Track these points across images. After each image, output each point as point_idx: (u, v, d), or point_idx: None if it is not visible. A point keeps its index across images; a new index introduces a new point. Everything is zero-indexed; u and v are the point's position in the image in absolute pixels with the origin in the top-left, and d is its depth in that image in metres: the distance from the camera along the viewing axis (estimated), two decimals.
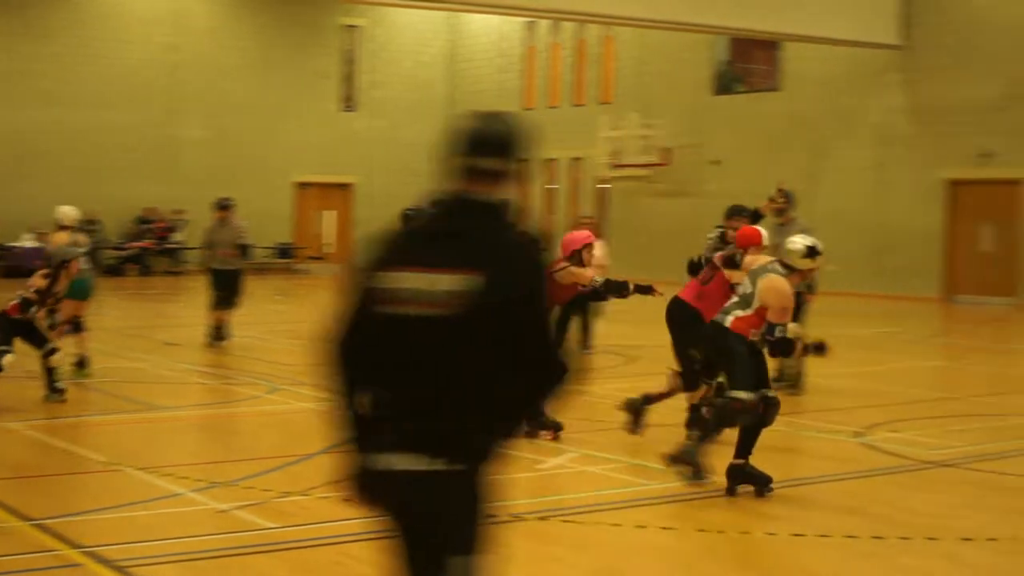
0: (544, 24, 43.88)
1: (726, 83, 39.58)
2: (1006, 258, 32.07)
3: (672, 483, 10.62)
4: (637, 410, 12.35)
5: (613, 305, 19.85)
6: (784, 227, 15.24)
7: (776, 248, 14.71)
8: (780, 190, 16.16)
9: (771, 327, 10.12)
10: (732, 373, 10.35)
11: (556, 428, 12.12)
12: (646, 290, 12.66)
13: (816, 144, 36.12)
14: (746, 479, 10.17)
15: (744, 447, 10.18)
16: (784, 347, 10.32)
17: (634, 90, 41.13)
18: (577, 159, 42.86)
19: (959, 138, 32.92)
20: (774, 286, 10.23)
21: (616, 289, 12.62)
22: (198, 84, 42.28)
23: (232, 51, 43.19)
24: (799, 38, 33.76)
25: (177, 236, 40.28)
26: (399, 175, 45.21)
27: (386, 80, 46.26)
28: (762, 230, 11.87)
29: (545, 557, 8.48)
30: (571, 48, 43.60)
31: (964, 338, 24.21)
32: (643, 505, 9.88)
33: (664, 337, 12.51)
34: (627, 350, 19.56)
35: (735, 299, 10.49)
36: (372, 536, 8.75)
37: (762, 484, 10.15)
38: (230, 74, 43.02)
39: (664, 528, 9.05)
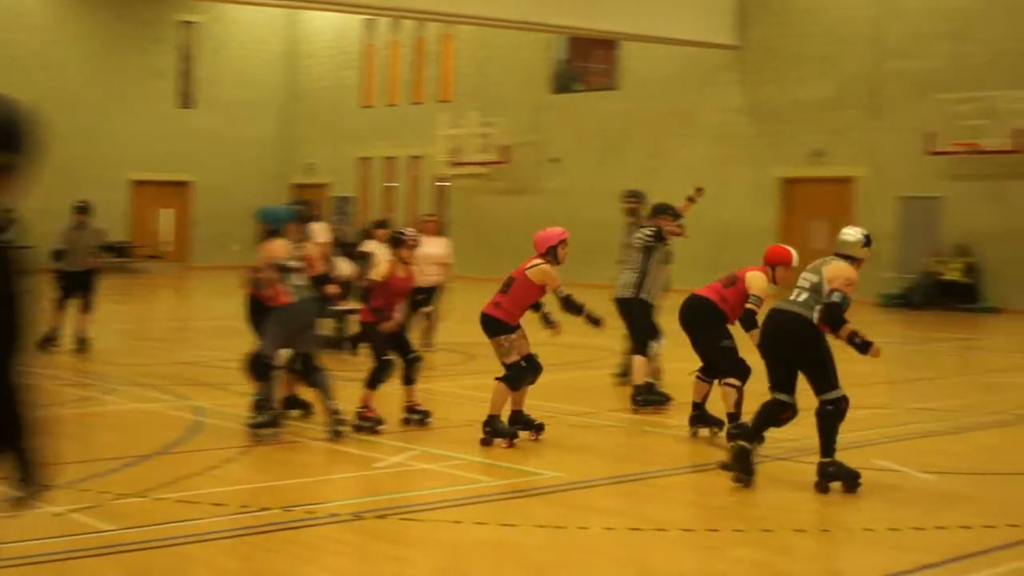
0: (383, 22, 43.77)
1: (565, 82, 39.83)
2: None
3: (513, 479, 10.69)
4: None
5: (452, 303, 19.96)
6: (635, 227, 15.44)
7: (629, 248, 15.08)
8: (631, 191, 16.34)
9: (832, 302, 10.20)
10: (824, 372, 10.39)
11: (512, 436, 12.02)
12: (595, 321, 12.21)
13: (654, 143, 36.52)
14: (837, 476, 10.25)
15: (831, 445, 10.27)
16: (831, 316, 10.25)
17: (473, 88, 41.22)
18: (416, 157, 42.85)
19: (793, 137, 33.54)
20: (841, 269, 10.40)
21: (573, 308, 12.13)
22: (32, 80, 41.46)
23: (67, 47, 42.49)
24: (637, 37, 34.09)
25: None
26: (237, 173, 44.90)
27: (224, 77, 45.83)
28: (792, 251, 12.17)
29: (384, 556, 8.45)
30: (410, 46, 43.56)
31: None
32: (483, 502, 9.90)
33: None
34: (467, 347, 19.58)
35: (805, 295, 10.37)
36: (211, 537, 8.71)
37: (852, 479, 10.27)
38: (65, 70, 42.32)
39: (504, 525, 9.06)
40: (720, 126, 35.24)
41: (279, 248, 12.21)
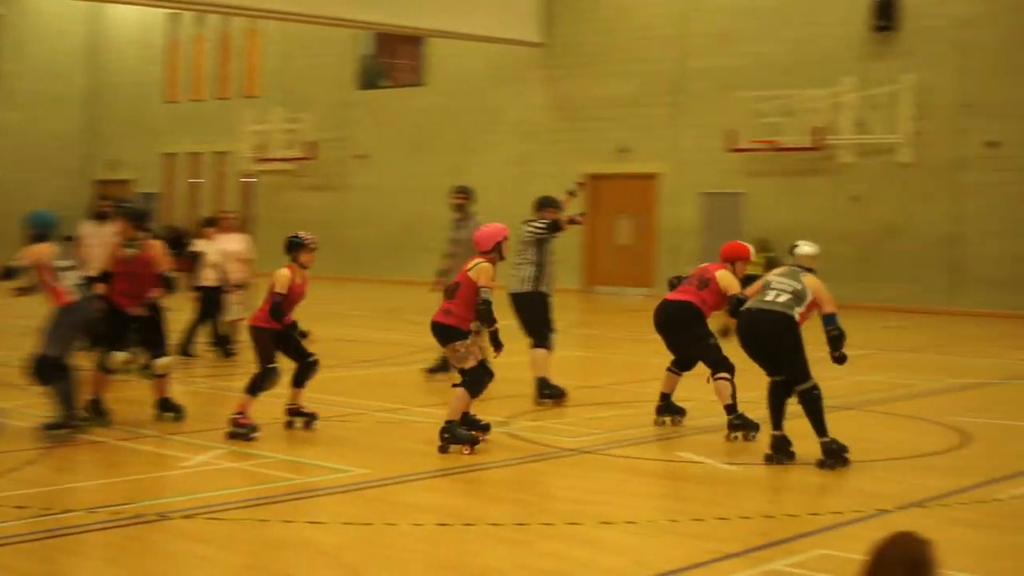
0: (188, 16, 43.21)
1: (371, 78, 39.72)
2: (642, 251, 33.13)
3: (320, 477, 10.61)
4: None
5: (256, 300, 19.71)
6: (462, 222, 16.08)
7: (456, 243, 15.29)
8: (459, 187, 16.72)
9: (833, 317, 11.47)
10: (799, 363, 11.36)
11: (473, 442, 11.72)
12: (498, 345, 11.85)
13: (461, 139, 36.61)
14: (838, 451, 11.22)
15: (824, 424, 11.31)
16: (842, 339, 11.46)
17: (279, 84, 40.93)
18: (222, 153, 42.39)
19: (598, 134, 33.86)
20: (818, 283, 11.59)
21: (488, 318, 11.72)
22: None
23: None
24: (443, 34, 34.12)
25: None
26: (39, 169, 43.95)
27: (25, 71, 44.84)
28: (749, 246, 13.28)
29: (191, 556, 8.32)
30: (215, 41, 43.06)
31: (603, 328, 24.86)
32: (290, 500, 9.79)
33: None
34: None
35: (785, 296, 11.42)
36: (12, 541, 8.48)
37: (844, 452, 11.26)
38: None
39: (311, 522, 8.99)
40: (527, 123, 35.45)
41: (44, 251, 11.96)
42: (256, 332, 12.48)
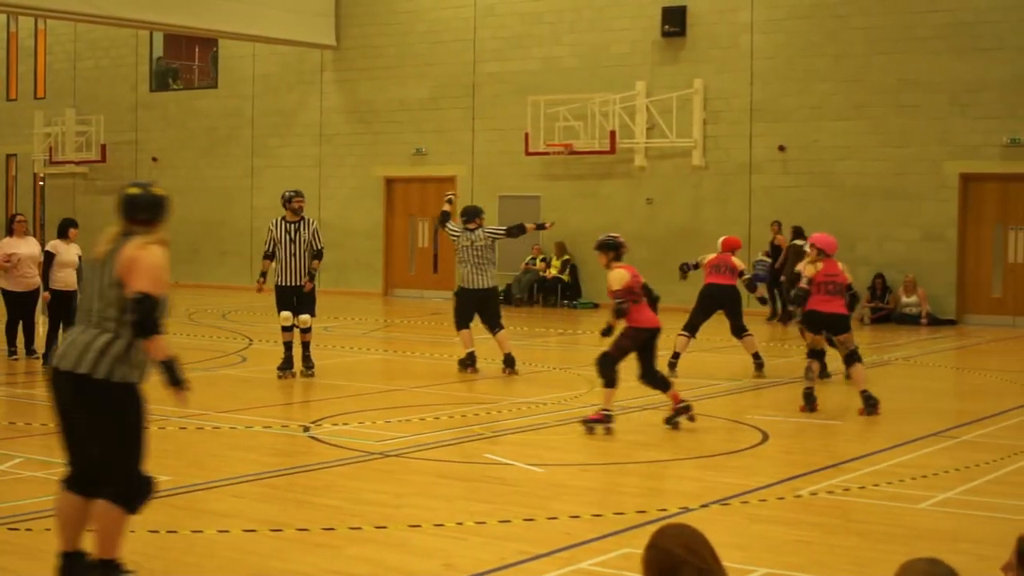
0: None
1: (163, 80, 39.21)
2: (441, 254, 33.24)
3: None
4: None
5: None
6: (299, 223, 17.58)
7: (292, 244, 16.13)
8: (298, 191, 17.98)
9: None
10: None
11: None
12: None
13: (256, 141, 36.33)
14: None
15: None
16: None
17: (69, 85, 40.16)
18: (12, 155, 41.49)
19: (394, 136, 33.88)
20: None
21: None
22: None
23: None
24: (234, 36, 33.80)
25: None
26: None
27: None
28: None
29: None
30: (1, 40, 42.05)
31: (405, 331, 24.88)
32: None
33: None
34: None
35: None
36: None
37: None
38: None
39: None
40: (321, 125, 35.32)
41: None
42: None
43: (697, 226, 29.84)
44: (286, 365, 17.35)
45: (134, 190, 7.56)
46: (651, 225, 30.33)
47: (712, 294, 18.32)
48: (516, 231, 18.66)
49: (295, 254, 17.52)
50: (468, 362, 18.21)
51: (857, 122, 28.36)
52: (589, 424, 13.21)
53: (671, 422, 13.39)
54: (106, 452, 7.29)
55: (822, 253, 14.83)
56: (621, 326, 13.36)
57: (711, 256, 18.61)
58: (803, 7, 28.94)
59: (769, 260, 27.64)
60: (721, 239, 18.84)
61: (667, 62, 30.46)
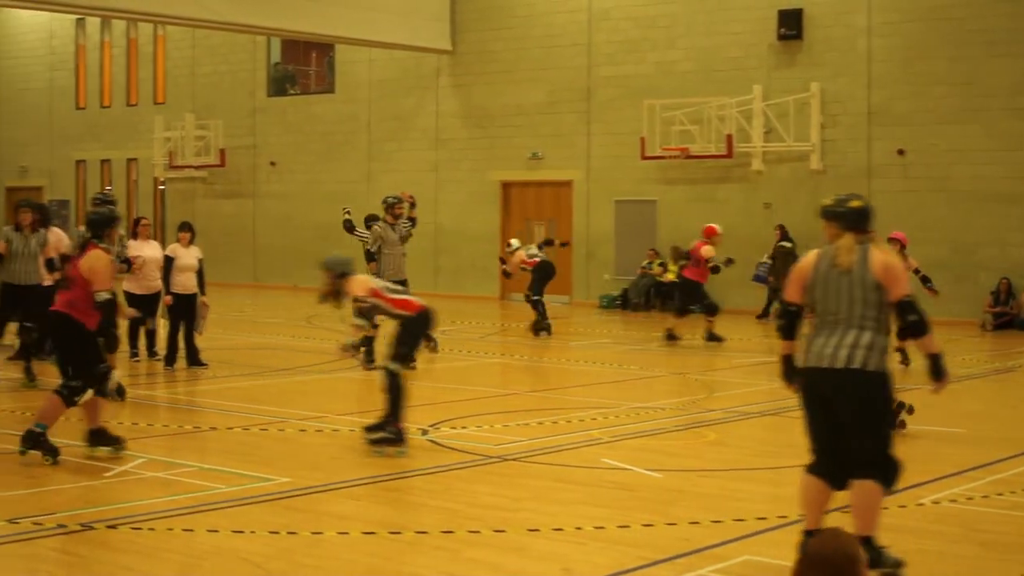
0: (94, 22, 42.76)
1: (280, 85, 39.54)
2: (557, 258, 33.20)
3: (243, 486, 10.53)
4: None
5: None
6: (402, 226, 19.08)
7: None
8: (397, 198, 19.58)
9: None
10: None
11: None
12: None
13: (372, 146, 36.51)
14: None
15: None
16: None
17: (188, 90, 40.64)
18: (133, 160, 42.06)
19: (509, 141, 33.89)
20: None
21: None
22: None
23: None
24: (351, 41, 34.00)
25: None
26: None
27: None
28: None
29: (115, 566, 8.25)
30: (122, 47, 42.66)
31: (521, 335, 24.88)
32: (214, 509, 9.72)
33: None
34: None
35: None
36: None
37: None
38: None
39: (236, 532, 8.94)
40: (437, 130, 35.42)
41: None
42: None
43: (816, 230, 29.49)
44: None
45: (857, 203, 8.43)
46: (768, 229, 30.04)
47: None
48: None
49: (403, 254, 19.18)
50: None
51: (972, 126, 27.94)
52: None
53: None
54: (868, 437, 7.98)
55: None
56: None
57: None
58: (919, 10, 28.56)
59: (770, 262, 28.67)
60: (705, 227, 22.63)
61: (783, 65, 30.21)
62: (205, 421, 13.55)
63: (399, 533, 9.04)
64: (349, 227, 21.66)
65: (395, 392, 12.10)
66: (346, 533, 9.02)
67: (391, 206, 18.98)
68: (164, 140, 40.04)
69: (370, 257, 19.07)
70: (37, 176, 44.65)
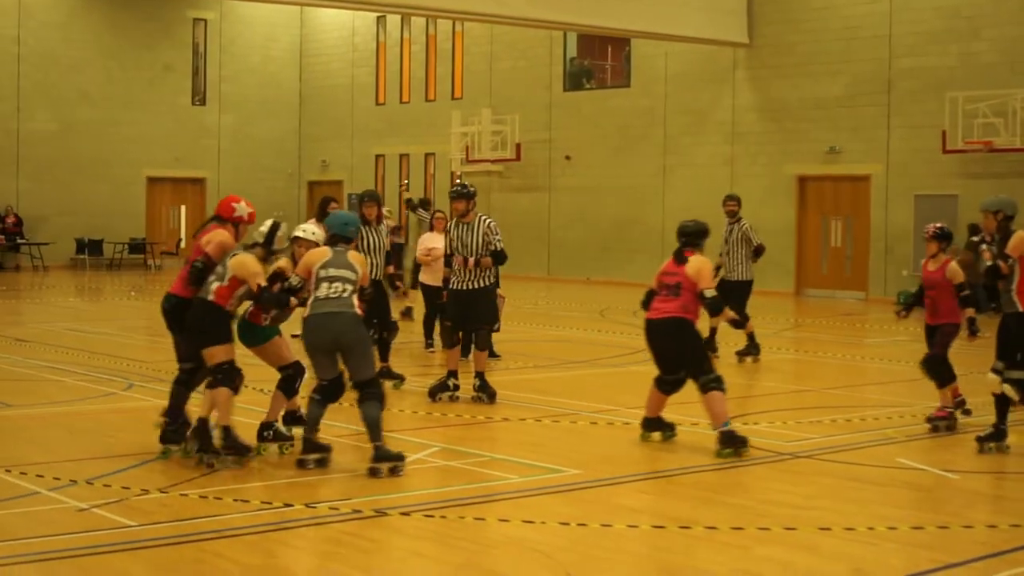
0: (394, 19, 43.74)
1: (576, 79, 39.81)
2: (855, 253, 32.70)
3: (533, 476, 10.66)
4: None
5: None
6: (732, 226, 19.86)
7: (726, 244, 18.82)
8: (731, 195, 20.48)
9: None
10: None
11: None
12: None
13: (666, 140, 36.47)
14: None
15: None
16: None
17: (485, 86, 41.22)
18: (430, 154, 42.87)
19: (807, 134, 33.47)
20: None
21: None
22: (43, 77, 41.62)
23: (79, 44, 42.56)
24: (648, 35, 34.02)
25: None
26: (250, 170, 44.95)
27: (235, 75, 45.87)
28: None
29: (408, 552, 8.46)
30: (421, 43, 43.54)
31: (816, 331, 24.57)
32: (505, 499, 9.87)
33: None
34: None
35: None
36: (234, 533, 8.70)
37: None
38: (77, 67, 42.41)
39: (526, 522, 9.06)
40: (733, 124, 35.18)
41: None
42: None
43: None
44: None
45: None
46: None
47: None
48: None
49: (726, 253, 19.74)
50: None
51: None
52: (934, 422, 13.30)
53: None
54: None
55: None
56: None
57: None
58: None
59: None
60: None
61: None
62: (497, 412, 13.76)
63: (689, 528, 9.04)
64: (413, 206, 22.27)
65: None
66: (636, 526, 9.06)
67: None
68: (461, 135, 40.69)
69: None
70: (337, 170, 45.90)
